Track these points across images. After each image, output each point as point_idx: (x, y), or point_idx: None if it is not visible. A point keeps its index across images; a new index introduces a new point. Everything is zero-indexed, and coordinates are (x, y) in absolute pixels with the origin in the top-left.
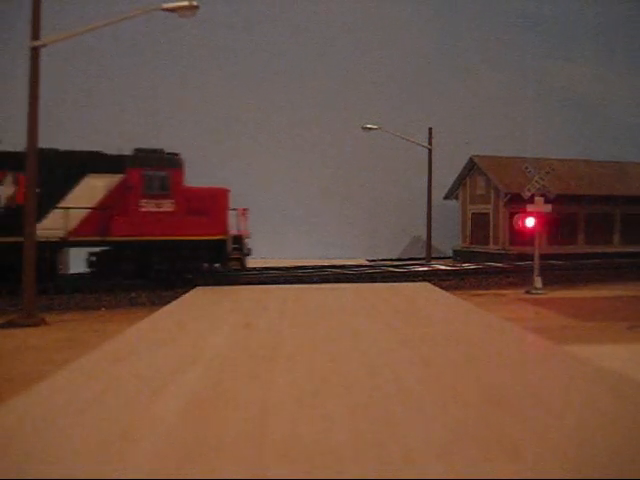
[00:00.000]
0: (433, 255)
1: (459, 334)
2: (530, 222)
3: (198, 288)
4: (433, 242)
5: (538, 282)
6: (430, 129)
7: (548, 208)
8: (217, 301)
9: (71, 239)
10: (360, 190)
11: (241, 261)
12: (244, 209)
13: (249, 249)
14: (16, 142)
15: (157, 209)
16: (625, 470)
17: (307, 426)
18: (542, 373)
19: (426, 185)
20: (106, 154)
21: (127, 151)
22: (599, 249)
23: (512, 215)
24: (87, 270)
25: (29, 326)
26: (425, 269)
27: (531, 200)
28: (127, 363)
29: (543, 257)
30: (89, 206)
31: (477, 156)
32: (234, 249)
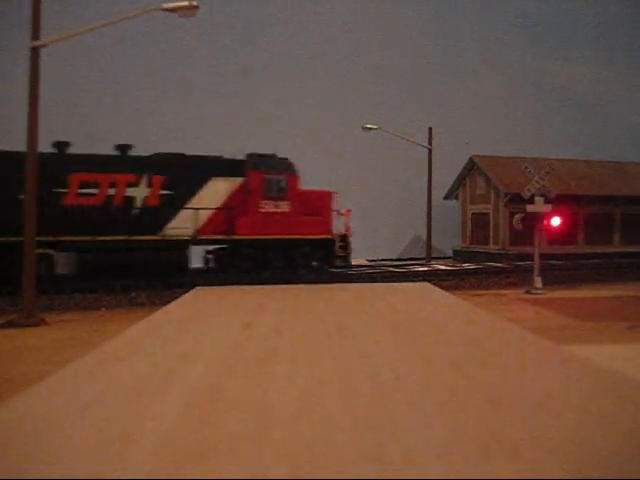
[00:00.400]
0: (433, 255)
1: (459, 334)
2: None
3: (198, 288)
4: (433, 242)
5: (538, 282)
6: (430, 129)
7: (548, 208)
8: (217, 301)
9: (199, 237)
10: (360, 190)
11: (346, 258)
12: (348, 210)
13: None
14: (147, 147)
15: (275, 210)
16: (625, 470)
17: (307, 426)
18: (542, 373)
19: (426, 185)
20: (227, 159)
21: (240, 156)
22: (599, 249)
23: (512, 215)
24: (204, 266)
25: (29, 326)
26: (425, 269)
27: (531, 200)
28: (127, 363)
29: (543, 257)
30: (214, 207)
31: (477, 156)
32: (339, 247)
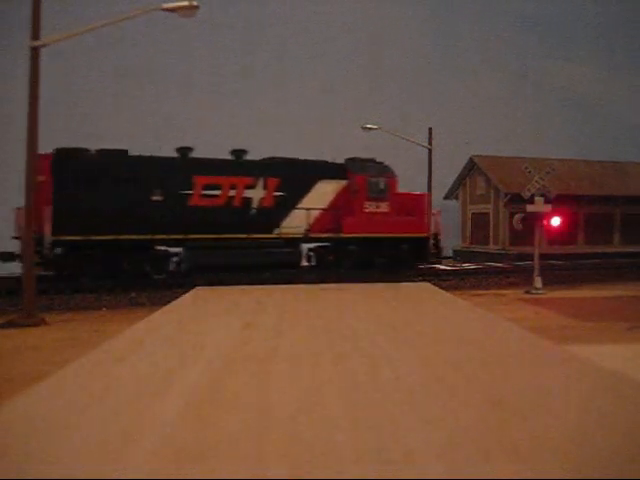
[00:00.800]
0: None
1: (459, 334)
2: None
3: (198, 288)
4: None
5: (538, 282)
6: (430, 129)
7: (548, 208)
8: (217, 301)
9: (310, 235)
10: None
11: (438, 255)
12: (438, 211)
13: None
14: (261, 152)
15: (376, 210)
16: (625, 470)
17: (307, 426)
18: (542, 373)
19: (426, 185)
20: (333, 163)
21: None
22: (599, 249)
23: (512, 215)
24: (306, 264)
25: (29, 326)
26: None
27: (531, 200)
28: (127, 363)
29: (543, 257)
30: (322, 207)
31: (477, 156)
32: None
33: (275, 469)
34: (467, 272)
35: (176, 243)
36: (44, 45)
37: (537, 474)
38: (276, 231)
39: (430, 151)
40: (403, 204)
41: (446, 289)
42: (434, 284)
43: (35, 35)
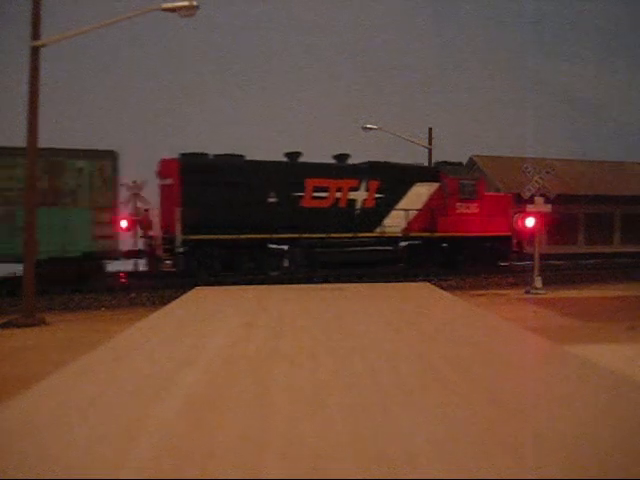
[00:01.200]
0: None
1: (459, 334)
2: (531, 222)
3: (198, 288)
4: None
5: (538, 282)
6: (430, 129)
7: (548, 208)
8: (217, 301)
9: (408, 234)
10: None
11: (519, 253)
12: (517, 211)
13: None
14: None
15: (467, 211)
16: (625, 469)
17: (307, 426)
18: (542, 373)
19: None
20: (427, 166)
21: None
22: (599, 249)
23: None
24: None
25: (29, 326)
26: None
27: (531, 200)
28: (127, 363)
29: (543, 257)
30: (418, 208)
31: (477, 156)
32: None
33: (275, 469)
34: (467, 272)
35: (290, 241)
36: (44, 45)
37: (537, 474)
38: (377, 230)
39: (430, 151)
40: (490, 205)
41: (446, 289)
42: (434, 284)
43: (35, 35)
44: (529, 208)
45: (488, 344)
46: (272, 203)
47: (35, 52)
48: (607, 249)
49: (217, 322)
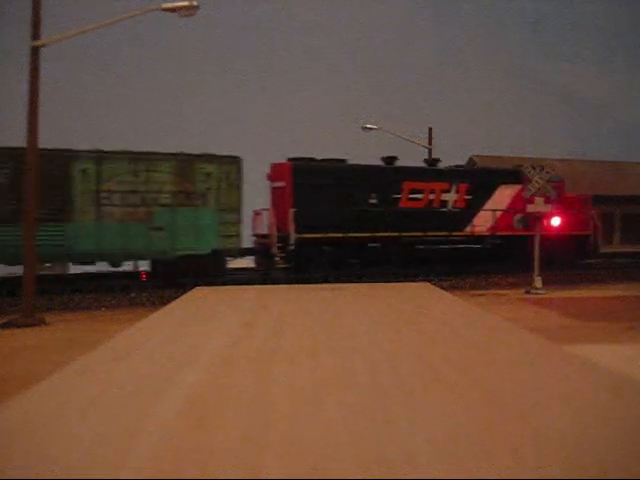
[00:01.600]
0: None
1: (459, 334)
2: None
3: (198, 288)
4: None
5: (538, 282)
6: (430, 129)
7: (548, 208)
8: (217, 301)
9: (495, 233)
10: None
11: (596, 252)
12: (595, 211)
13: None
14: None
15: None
16: (625, 470)
17: (307, 426)
18: (542, 373)
19: None
20: (510, 170)
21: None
22: (599, 249)
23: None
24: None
25: (29, 326)
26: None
27: (531, 200)
28: (127, 363)
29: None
30: (502, 209)
31: (477, 156)
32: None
33: (275, 469)
34: (467, 272)
35: (391, 240)
36: (44, 45)
37: (537, 474)
38: (467, 229)
39: (430, 151)
40: (570, 205)
41: (446, 289)
42: (434, 284)
43: (35, 35)
44: (529, 208)
45: (488, 344)
46: (373, 204)
47: (35, 52)
48: (607, 249)
49: (217, 322)
